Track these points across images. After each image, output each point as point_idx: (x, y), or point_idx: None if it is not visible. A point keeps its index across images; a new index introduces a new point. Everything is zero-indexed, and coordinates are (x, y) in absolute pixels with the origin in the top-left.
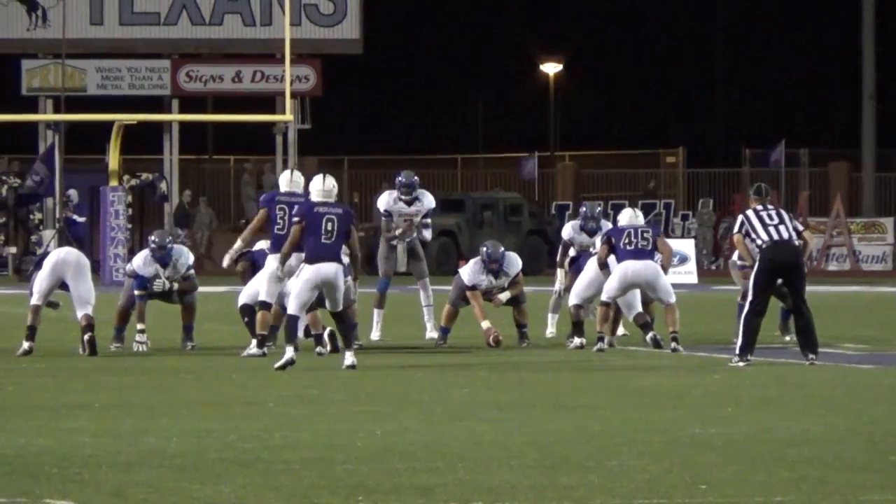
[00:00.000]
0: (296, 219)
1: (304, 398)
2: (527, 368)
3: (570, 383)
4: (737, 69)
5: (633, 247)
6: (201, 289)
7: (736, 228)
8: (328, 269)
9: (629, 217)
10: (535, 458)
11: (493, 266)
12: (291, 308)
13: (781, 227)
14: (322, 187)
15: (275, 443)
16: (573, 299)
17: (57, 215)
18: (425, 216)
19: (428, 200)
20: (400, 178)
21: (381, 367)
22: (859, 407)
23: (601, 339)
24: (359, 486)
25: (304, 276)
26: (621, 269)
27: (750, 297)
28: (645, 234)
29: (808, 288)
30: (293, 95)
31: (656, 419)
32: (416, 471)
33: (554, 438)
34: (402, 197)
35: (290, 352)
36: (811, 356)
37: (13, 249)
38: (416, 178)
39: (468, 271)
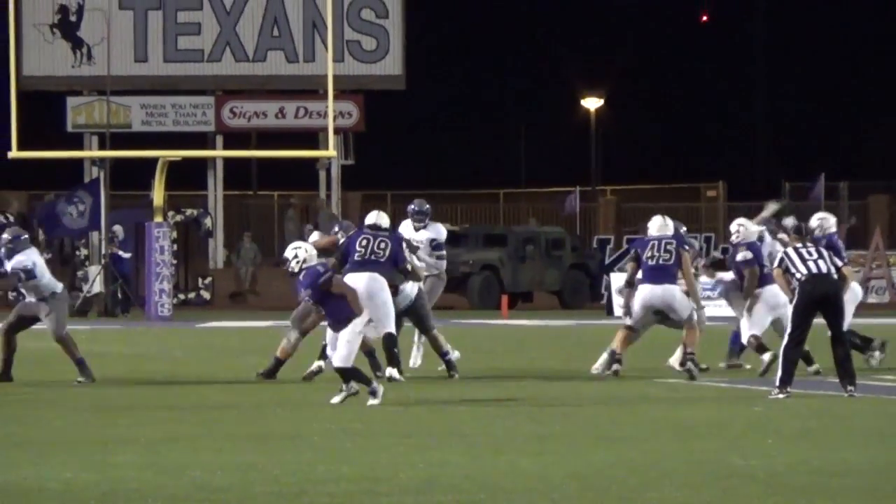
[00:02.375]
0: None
1: (348, 431)
2: (568, 401)
3: (611, 415)
4: (776, 103)
5: (654, 262)
6: (246, 323)
7: (776, 263)
8: None
9: (659, 226)
10: (576, 489)
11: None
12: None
13: (821, 262)
14: None
15: (318, 476)
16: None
17: (102, 251)
18: (436, 247)
19: (437, 231)
20: (412, 207)
21: (424, 402)
22: None
23: (619, 360)
24: None
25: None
26: (641, 296)
27: (789, 329)
28: (668, 247)
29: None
30: (336, 131)
31: (697, 450)
32: (458, 503)
33: (594, 470)
34: (415, 224)
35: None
36: (850, 388)
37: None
38: (427, 206)
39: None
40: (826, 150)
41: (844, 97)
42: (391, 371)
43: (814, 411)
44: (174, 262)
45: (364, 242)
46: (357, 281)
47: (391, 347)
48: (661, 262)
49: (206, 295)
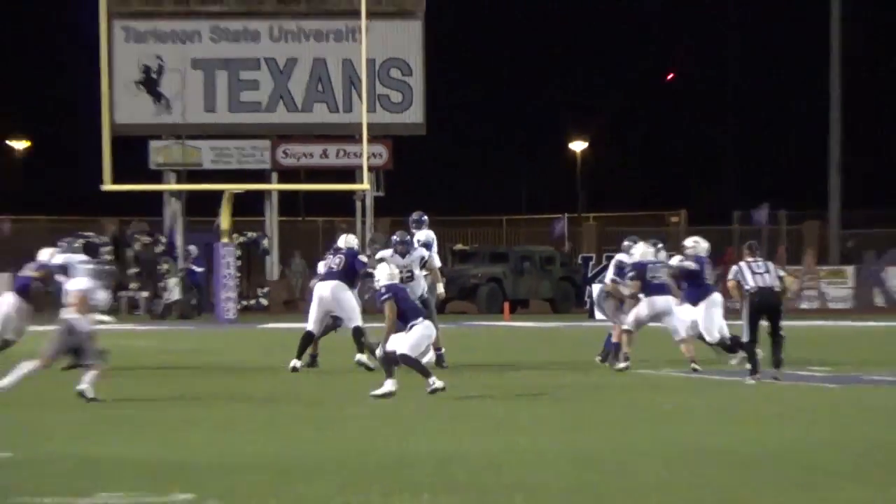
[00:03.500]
0: None
1: (380, 416)
2: (559, 390)
3: (597, 402)
4: (737, 144)
5: (657, 280)
6: (297, 325)
7: (731, 276)
8: None
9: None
10: (565, 464)
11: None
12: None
13: (767, 276)
14: None
15: (356, 451)
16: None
17: (179, 266)
18: (423, 266)
19: (427, 235)
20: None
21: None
22: (830, 420)
23: (627, 358)
24: (425, 485)
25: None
26: (650, 302)
27: (748, 333)
28: (661, 269)
29: (786, 323)
30: (369, 169)
31: (670, 432)
32: (469, 473)
33: (582, 448)
34: (412, 229)
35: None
36: (776, 372)
37: (145, 294)
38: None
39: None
40: (772, 183)
41: (788, 139)
42: (360, 356)
43: (760, 397)
44: (238, 275)
45: (327, 260)
46: (322, 288)
47: (359, 338)
48: (660, 281)
49: (264, 302)
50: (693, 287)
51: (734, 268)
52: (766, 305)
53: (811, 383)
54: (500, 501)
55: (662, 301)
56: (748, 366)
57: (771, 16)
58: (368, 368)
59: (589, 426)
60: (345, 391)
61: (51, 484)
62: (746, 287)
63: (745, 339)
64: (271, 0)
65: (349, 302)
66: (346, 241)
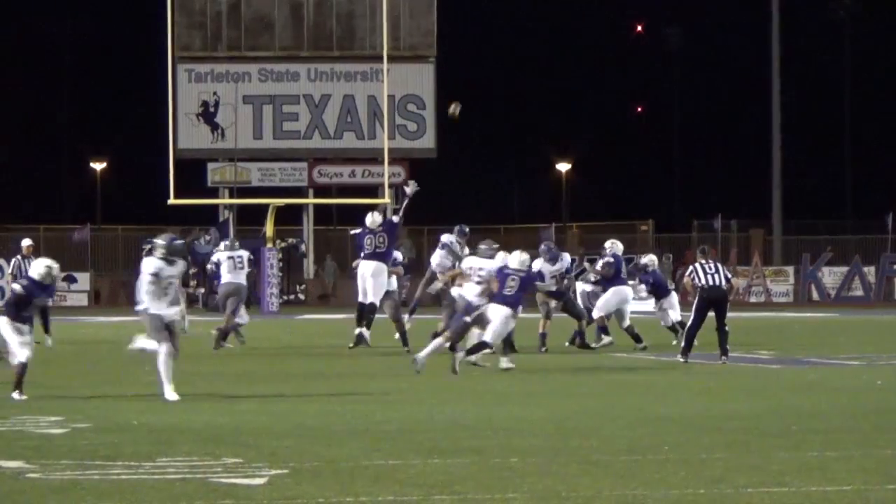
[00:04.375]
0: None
1: (397, 390)
2: (547, 368)
3: (576, 378)
4: (687, 164)
5: (624, 273)
6: (330, 316)
7: (687, 274)
8: None
9: (621, 249)
10: (552, 429)
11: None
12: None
13: (716, 276)
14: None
15: (377, 419)
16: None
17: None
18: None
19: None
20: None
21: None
22: (770, 394)
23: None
24: (435, 449)
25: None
26: (622, 291)
27: (693, 320)
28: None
29: (737, 314)
30: (390, 186)
31: (634, 402)
32: (472, 437)
33: (564, 415)
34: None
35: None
36: (724, 358)
37: (202, 290)
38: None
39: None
40: (722, 197)
41: (744, 163)
42: (361, 330)
43: (710, 375)
44: (280, 274)
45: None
46: (364, 267)
47: (368, 313)
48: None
49: (301, 297)
50: (611, 281)
51: (690, 268)
52: (715, 300)
53: (757, 364)
54: (498, 463)
55: (627, 290)
56: (679, 343)
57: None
58: (361, 342)
59: (569, 397)
60: (367, 371)
61: (121, 450)
62: (699, 284)
63: (689, 324)
64: (309, 47)
65: (378, 280)
66: (373, 218)
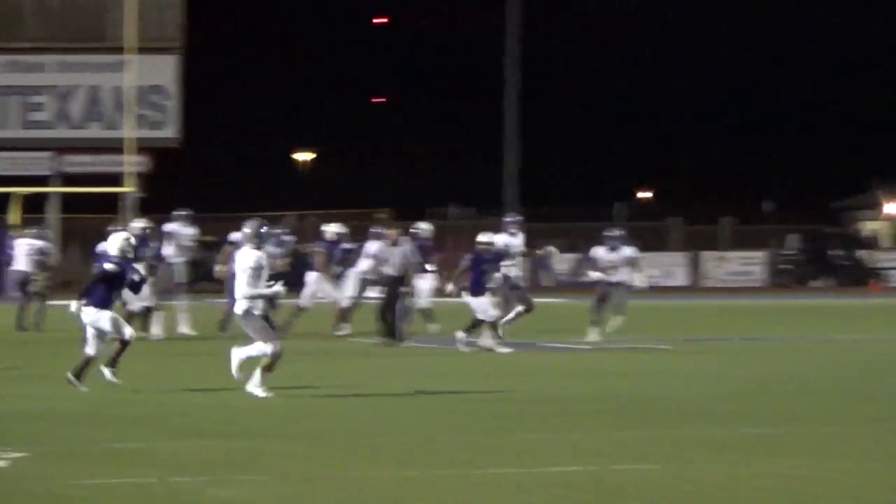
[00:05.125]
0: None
1: (158, 375)
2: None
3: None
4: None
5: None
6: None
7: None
8: None
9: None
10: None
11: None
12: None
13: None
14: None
15: (131, 403)
16: None
17: None
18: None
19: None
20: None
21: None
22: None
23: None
24: (184, 432)
25: None
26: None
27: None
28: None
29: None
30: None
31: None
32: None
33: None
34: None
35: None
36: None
37: None
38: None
39: None
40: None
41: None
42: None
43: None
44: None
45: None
46: None
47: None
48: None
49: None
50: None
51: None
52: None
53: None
54: (243, 446)
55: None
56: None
57: None
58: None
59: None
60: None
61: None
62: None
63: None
64: (58, 38)
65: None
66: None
